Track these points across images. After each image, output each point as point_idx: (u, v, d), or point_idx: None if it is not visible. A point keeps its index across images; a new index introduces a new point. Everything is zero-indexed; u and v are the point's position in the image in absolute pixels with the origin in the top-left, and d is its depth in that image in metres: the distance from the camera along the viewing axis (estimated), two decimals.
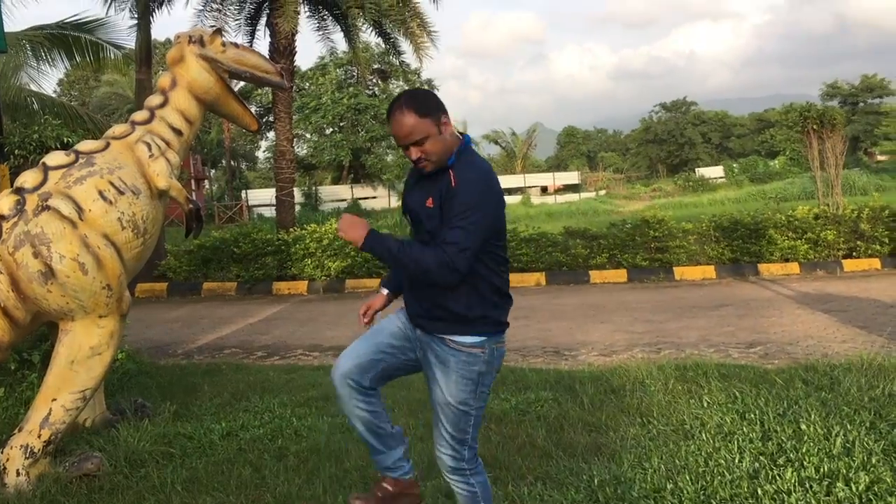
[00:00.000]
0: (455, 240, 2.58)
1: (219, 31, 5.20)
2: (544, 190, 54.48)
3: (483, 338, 2.76)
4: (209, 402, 5.57)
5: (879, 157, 50.37)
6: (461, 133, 2.81)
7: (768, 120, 69.20)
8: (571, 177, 59.08)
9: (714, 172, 53.02)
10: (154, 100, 5.10)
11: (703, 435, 4.12)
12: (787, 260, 10.99)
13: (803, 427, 4.07)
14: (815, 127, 11.58)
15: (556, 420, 4.59)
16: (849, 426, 4.04)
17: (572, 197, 47.79)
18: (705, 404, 4.63)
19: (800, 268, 10.86)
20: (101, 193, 4.43)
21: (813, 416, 4.17)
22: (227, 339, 8.49)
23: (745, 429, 4.15)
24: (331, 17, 14.87)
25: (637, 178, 67.68)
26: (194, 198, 5.30)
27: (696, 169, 57.93)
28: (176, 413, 5.21)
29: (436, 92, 3.41)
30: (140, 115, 5.03)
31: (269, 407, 5.34)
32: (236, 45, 5.36)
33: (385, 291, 3.07)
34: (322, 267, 12.44)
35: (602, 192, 50.44)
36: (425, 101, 2.70)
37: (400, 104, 2.67)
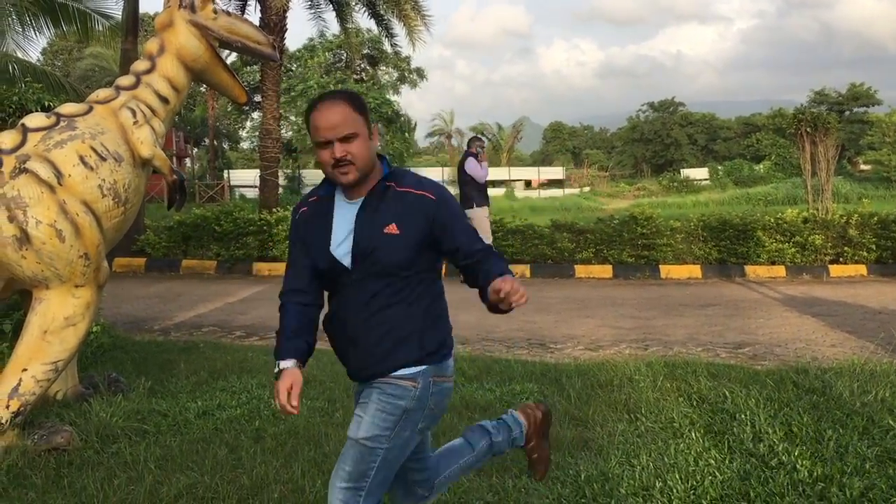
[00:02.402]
0: (470, 227, 2.48)
1: None
2: (528, 184, 54.46)
3: (418, 368, 2.40)
4: (185, 379, 5.41)
5: (862, 167, 50.71)
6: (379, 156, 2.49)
7: (755, 124, 69.49)
8: (556, 172, 59.13)
9: (699, 174, 53.21)
10: (140, 65, 4.93)
11: (693, 434, 4.03)
12: (773, 262, 10.97)
13: (795, 430, 3.99)
14: (808, 130, 11.54)
15: None
16: (841, 430, 3.96)
17: (556, 192, 47.81)
18: (694, 403, 4.55)
19: (786, 271, 10.84)
20: (81, 158, 4.26)
21: (805, 420, 4.10)
22: (206, 317, 8.32)
23: (735, 429, 4.07)
24: None
25: (621, 176, 67.80)
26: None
27: (681, 170, 58.12)
28: (151, 389, 5.06)
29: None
30: (125, 80, 4.85)
31: (246, 387, 5.20)
32: (228, 13, 5.22)
33: (292, 363, 2.40)
34: None
35: (586, 189, 50.48)
36: (360, 100, 2.40)
37: (332, 95, 2.38)
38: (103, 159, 4.34)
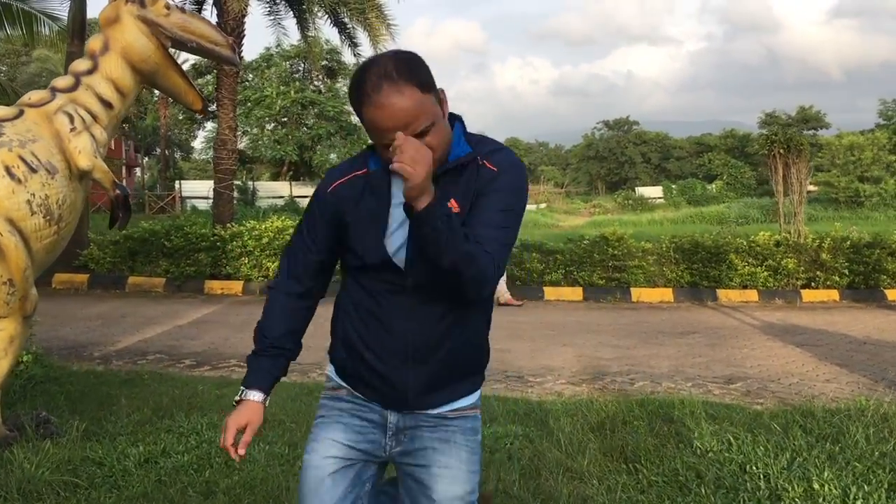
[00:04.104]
0: (506, 223, 1.82)
1: None
2: None
3: (479, 391, 2.06)
4: (126, 418, 4.82)
5: (811, 188, 51.60)
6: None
7: (706, 144, 70.52)
8: None
9: (653, 192, 53.63)
10: (81, 65, 4.36)
11: (702, 489, 3.60)
12: (745, 286, 10.70)
13: (816, 486, 3.57)
14: (780, 152, 11.35)
15: (530, 462, 4.02)
16: (866, 487, 3.56)
17: None
18: (698, 451, 4.11)
19: (758, 295, 10.58)
20: (7, 170, 3.69)
21: (826, 475, 3.68)
22: (152, 342, 7.68)
23: (748, 484, 3.64)
24: (283, 2, 14.10)
25: (576, 193, 68.09)
26: (123, 184, 4.56)
27: (636, 188, 58.57)
28: (86, 431, 4.45)
29: None
30: (63, 82, 4.28)
31: (196, 428, 4.62)
32: (182, 10, 4.66)
33: (259, 397, 1.98)
34: (260, 267, 11.65)
35: (543, 206, 50.43)
36: (421, 69, 1.78)
37: (389, 73, 1.71)
38: (33, 171, 3.78)
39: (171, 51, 4.60)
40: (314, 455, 1.98)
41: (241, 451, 1.92)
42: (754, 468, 3.83)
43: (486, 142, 1.94)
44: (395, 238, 1.86)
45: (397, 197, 1.84)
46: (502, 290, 10.03)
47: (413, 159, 1.61)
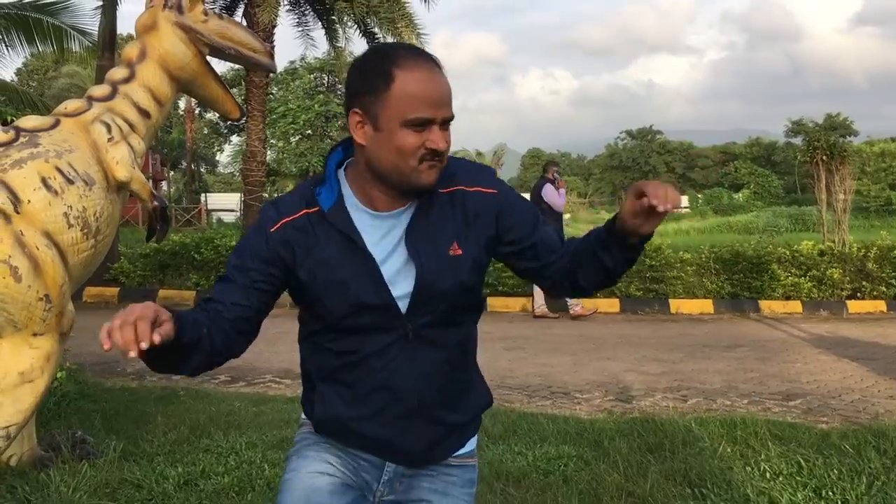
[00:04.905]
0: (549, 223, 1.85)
1: None
2: None
3: (476, 439, 1.87)
4: (163, 437, 4.66)
5: (841, 196, 50.93)
6: None
7: (732, 153, 69.93)
8: None
9: None
10: (118, 73, 4.22)
11: None
12: (788, 297, 10.38)
13: None
14: (823, 158, 11.04)
15: (588, 486, 3.80)
16: None
17: None
18: (767, 475, 3.87)
19: (802, 306, 10.26)
20: (44, 181, 3.55)
21: None
22: None
23: None
24: (312, 13, 14.02)
25: (600, 203, 67.63)
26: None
27: None
28: (123, 452, 4.29)
29: None
30: (100, 90, 4.14)
31: (234, 447, 4.45)
32: (220, 16, 4.52)
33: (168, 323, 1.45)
34: None
35: (567, 216, 50.11)
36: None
37: (423, 52, 1.64)
38: (70, 182, 3.64)
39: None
40: (300, 472, 1.72)
41: (156, 338, 1.38)
42: (830, 493, 3.59)
43: (455, 163, 1.74)
44: (400, 280, 1.64)
45: (369, 233, 1.64)
46: (539, 301, 9.79)
47: (663, 185, 1.54)
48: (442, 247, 1.64)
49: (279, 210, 1.69)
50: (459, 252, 1.65)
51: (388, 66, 1.56)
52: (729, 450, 4.19)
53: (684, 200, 53.59)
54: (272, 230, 1.66)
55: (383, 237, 1.64)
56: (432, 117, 1.55)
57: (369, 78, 1.58)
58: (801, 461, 3.97)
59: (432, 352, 1.67)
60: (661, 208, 1.49)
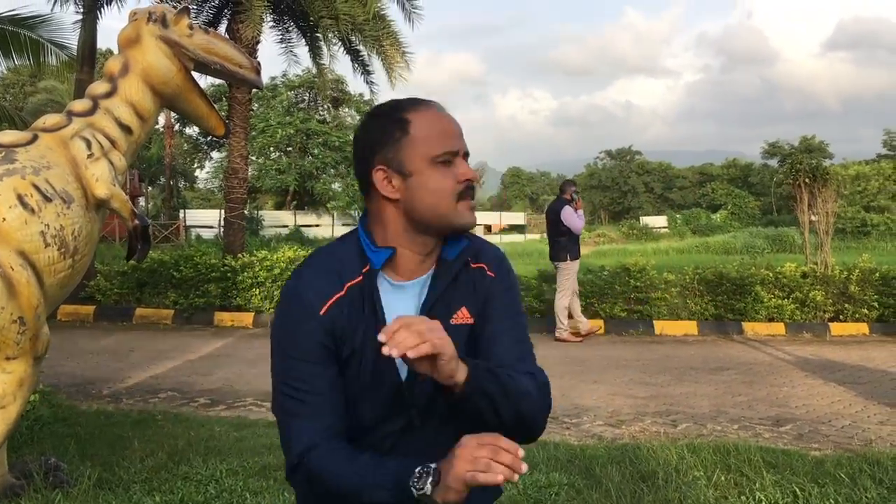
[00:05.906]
0: (526, 333, 1.70)
1: (186, 11, 4.24)
2: (489, 229, 54.11)
3: None
4: (140, 463, 4.49)
5: (813, 218, 51.39)
6: None
7: (709, 174, 70.54)
8: (518, 217, 58.98)
9: (657, 222, 53.45)
10: (99, 87, 4.10)
11: None
12: (771, 319, 10.35)
13: None
14: (806, 181, 11.08)
15: None
16: None
17: (517, 237, 47.45)
18: None
19: (786, 329, 10.22)
20: (20, 198, 3.42)
21: None
22: (163, 378, 7.34)
23: None
24: (296, 29, 13.90)
25: None
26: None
27: (641, 217, 58.41)
28: (98, 479, 4.12)
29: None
30: (80, 105, 4.01)
31: (214, 475, 4.30)
32: (206, 30, 4.41)
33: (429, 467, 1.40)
34: (271, 298, 11.34)
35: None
36: None
37: (433, 101, 1.63)
38: (48, 200, 3.50)
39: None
40: None
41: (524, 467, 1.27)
42: None
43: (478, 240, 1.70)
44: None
45: (391, 306, 1.53)
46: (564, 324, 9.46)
47: (429, 328, 1.29)
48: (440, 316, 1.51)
49: (316, 287, 1.57)
50: (470, 320, 1.60)
51: (399, 114, 1.56)
52: (723, 478, 4.10)
53: (662, 220, 53.75)
54: (321, 311, 1.55)
55: (400, 308, 1.54)
56: (457, 149, 1.56)
57: (384, 131, 1.56)
58: (797, 490, 3.88)
59: (443, 435, 1.50)
60: (385, 350, 1.26)
